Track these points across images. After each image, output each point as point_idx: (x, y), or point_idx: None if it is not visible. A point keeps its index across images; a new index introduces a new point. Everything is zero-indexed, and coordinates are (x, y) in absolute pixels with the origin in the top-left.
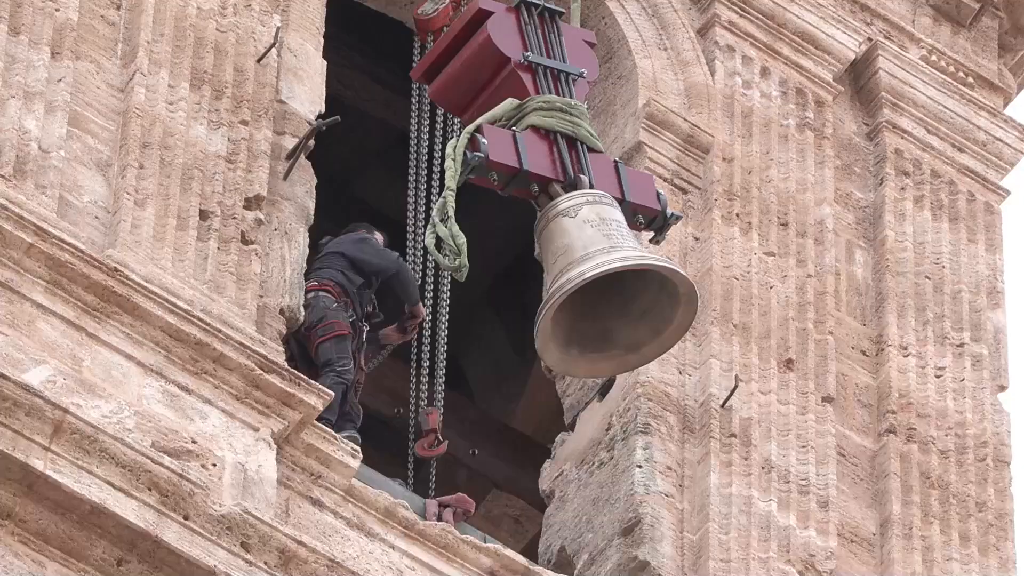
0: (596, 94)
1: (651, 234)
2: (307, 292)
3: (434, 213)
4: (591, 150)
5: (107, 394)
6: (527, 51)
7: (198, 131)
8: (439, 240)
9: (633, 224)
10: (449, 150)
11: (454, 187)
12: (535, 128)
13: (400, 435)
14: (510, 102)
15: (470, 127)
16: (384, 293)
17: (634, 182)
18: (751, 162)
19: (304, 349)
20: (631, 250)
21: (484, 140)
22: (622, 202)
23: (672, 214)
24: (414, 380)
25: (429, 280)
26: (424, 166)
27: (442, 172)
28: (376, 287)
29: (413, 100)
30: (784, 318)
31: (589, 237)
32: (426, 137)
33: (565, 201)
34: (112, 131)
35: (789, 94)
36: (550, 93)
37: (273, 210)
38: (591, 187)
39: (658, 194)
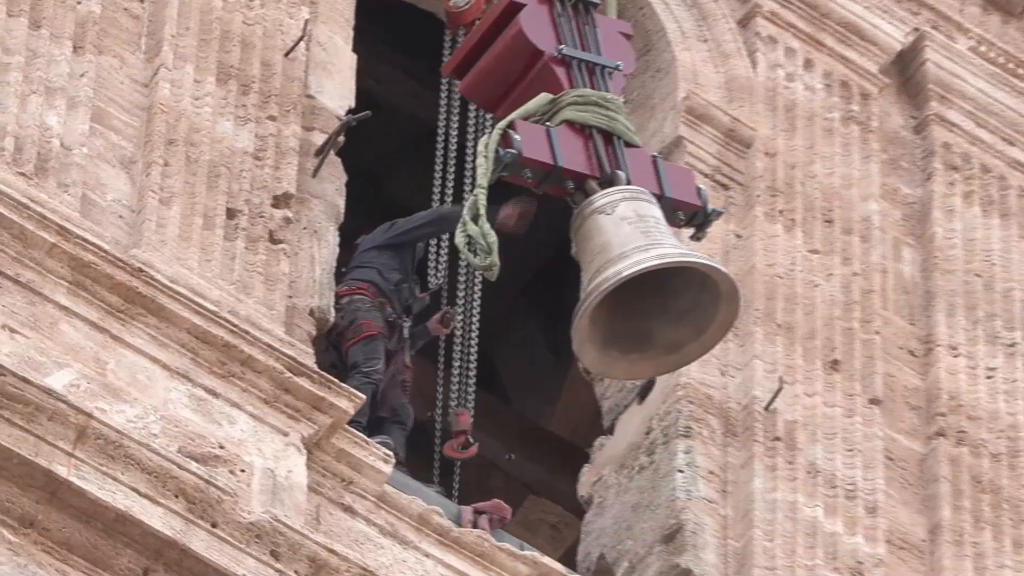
0: (634, 88)
1: (692, 231)
2: (341, 298)
3: (464, 211)
4: (628, 145)
5: (132, 398)
6: (561, 44)
7: (225, 127)
8: (470, 239)
9: (673, 221)
10: (481, 147)
11: (485, 185)
12: (570, 123)
13: (434, 439)
14: (544, 97)
15: (503, 123)
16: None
17: (673, 177)
18: (795, 157)
19: (342, 356)
20: (670, 247)
21: (517, 136)
22: (661, 198)
23: (713, 210)
24: (441, 379)
25: (461, 277)
26: (453, 162)
27: (474, 168)
28: (418, 257)
29: (442, 94)
30: (829, 317)
31: (626, 234)
32: (456, 132)
33: (601, 198)
34: (136, 127)
35: (833, 87)
36: (585, 87)
37: (302, 208)
38: (628, 183)
39: (698, 189)
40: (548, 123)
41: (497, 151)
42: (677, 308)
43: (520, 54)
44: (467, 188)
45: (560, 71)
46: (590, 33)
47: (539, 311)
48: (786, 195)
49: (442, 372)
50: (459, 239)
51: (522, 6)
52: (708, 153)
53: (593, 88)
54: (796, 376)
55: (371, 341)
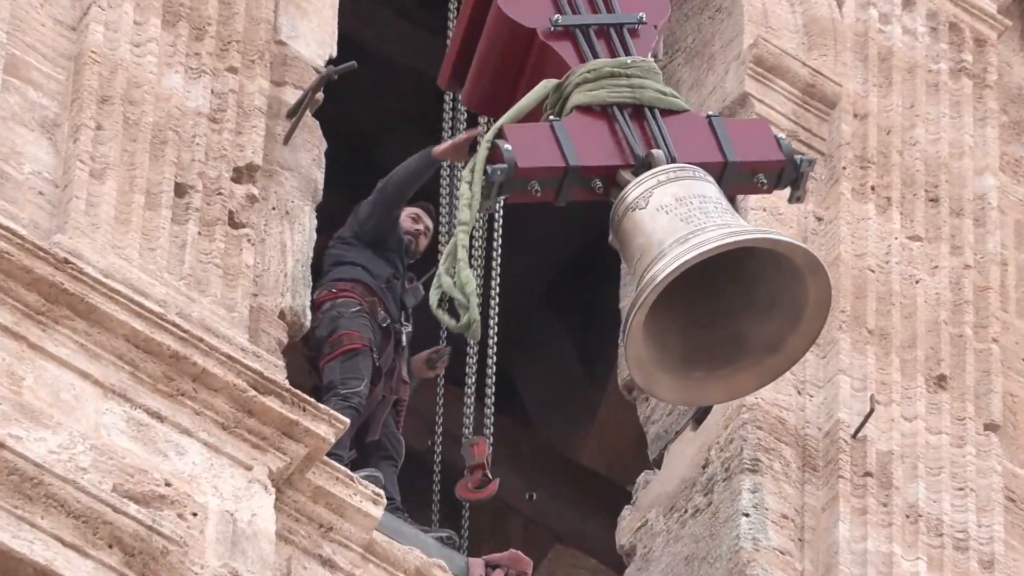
0: (688, 32)
1: (787, 193)
2: (320, 305)
3: (441, 262)
4: (669, 113)
5: (55, 423)
6: (558, 13)
7: (173, 81)
8: (443, 297)
9: (752, 187)
10: (466, 172)
11: (469, 220)
12: (583, 108)
13: (436, 473)
14: (543, 86)
15: (489, 133)
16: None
17: (739, 135)
18: (890, 119)
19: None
20: (714, 229)
21: (508, 146)
22: (726, 165)
23: (803, 159)
24: (443, 400)
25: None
26: (464, 125)
27: (451, 200)
28: (398, 211)
29: (448, 40)
30: (934, 322)
31: (664, 228)
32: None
33: (633, 190)
34: (61, 81)
35: (940, 31)
36: (597, 57)
37: (271, 183)
38: (672, 160)
39: (778, 140)
40: (553, 116)
41: (485, 172)
42: (764, 295)
43: (510, 42)
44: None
45: (563, 46)
46: None
47: (567, 315)
48: (880, 167)
49: (443, 390)
50: (433, 297)
51: None
52: (781, 115)
53: (611, 55)
54: (892, 395)
55: (352, 357)
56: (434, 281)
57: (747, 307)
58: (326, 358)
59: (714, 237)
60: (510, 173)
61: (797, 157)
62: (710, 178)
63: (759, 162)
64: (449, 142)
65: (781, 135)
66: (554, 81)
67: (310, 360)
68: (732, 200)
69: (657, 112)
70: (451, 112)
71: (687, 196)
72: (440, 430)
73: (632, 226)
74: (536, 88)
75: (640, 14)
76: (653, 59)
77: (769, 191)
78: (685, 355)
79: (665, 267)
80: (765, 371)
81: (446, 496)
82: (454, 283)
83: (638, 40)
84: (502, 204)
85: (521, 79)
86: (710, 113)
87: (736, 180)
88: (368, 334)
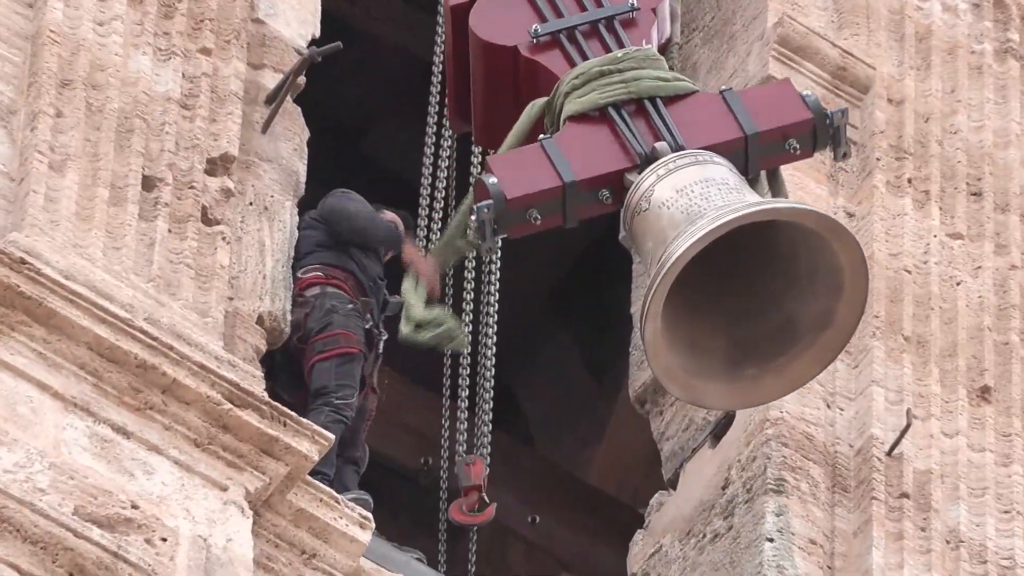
0: (706, 9)
1: (829, 155)
2: (306, 288)
3: (406, 305)
4: (675, 98)
5: (11, 439)
6: (538, 23)
7: (140, 64)
8: (419, 326)
9: (788, 155)
10: (453, 226)
11: (428, 273)
12: (577, 118)
13: (429, 494)
14: (530, 108)
15: (475, 178)
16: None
17: (759, 103)
18: (929, 105)
19: (294, 366)
20: (713, 211)
21: (492, 179)
22: (747, 140)
23: (834, 111)
24: (447, 416)
25: (469, 277)
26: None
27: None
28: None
29: (440, 20)
30: (977, 328)
31: (665, 226)
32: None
33: (636, 191)
34: (17, 64)
35: (984, 7)
36: (586, 58)
37: (248, 176)
38: (676, 149)
39: (803, 98)
40: (544, 135)
41: (474, 211)
42: (803, 271)
43: (493, 65)
44: (475, 151)
45: (550, 57)
46: None
47: (572, 321)
48: (917, 158)
49: (448, 405)
50: (405, 331)
51: (468, 4)
52: None
53: (606, 51)
54: (930, 409)
55: (348, 361)
56: (402, 321)
57: (788, 288)
58: (317, 356)
59: (706, 223)
60: (500, 207)
61: (827, 110)
62: (719, 159)
63: (785, 126)
64: (426, 263)
65: (807, 92)
66: (542, 100)
67: (294, 351)
68: (773, 172)
69: (659, 101)
70: (440, 95)
71: (688, 185)
72: (447, 450)
73: (641, 231)
74: (524, 112)
75: (631, 1)
76: (671, 44)
77: (808, 155)
78: (731, 355)
79: (661, 269)
80: (822, 350)
81: (434, 519)
82: (428, 316)
83: (634, 30)
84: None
85: (518, 104)
86: (723, 88)
87: (765, 151)
88: (362, 338)
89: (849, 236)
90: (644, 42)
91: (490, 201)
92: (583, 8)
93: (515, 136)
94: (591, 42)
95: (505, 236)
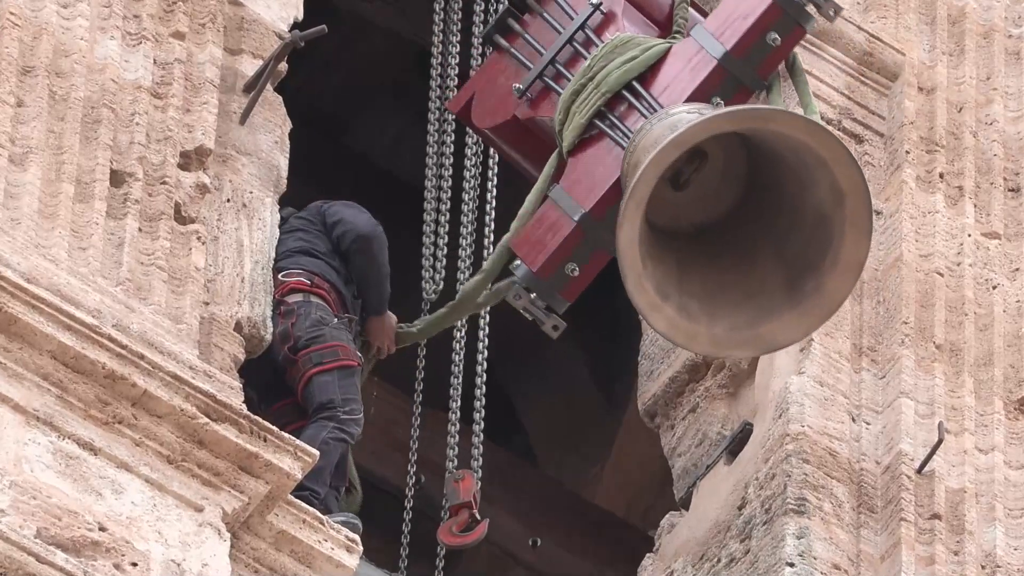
0: None
1: (816, 22)
2: (289, 293)
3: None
4: (655, 66)
5: None
6: (517, 81)
7: (108, 49)
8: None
9: (776, 52)
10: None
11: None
12: (575, 149)
13: (423, 515)
14: (540, 180)
15: (495, 253)
16: None
17: (721, 20)
18: (962, 94)
19: (278, 374)
20: (687, 122)
21: (516, 262)
22: (723, 66)
23: None
24: (417, 426)
25: (463, 277)
26: (452, 94)
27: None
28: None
29: (437, 9)
30: (1015, 335)
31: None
32: (456, 58)
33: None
34: None
35: None
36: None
37: (225, 170)
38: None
39: None
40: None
41: (526, 310)
42: (811, 203)
43: (512, 145)
44: (470, 143)
45: (546, 106)
46: (554, 9)
47: (578, 327)
48: (950, 151)
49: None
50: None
51: (469, 98)
52: (833, 89)
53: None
54: (964, 423)
55: (350, 375)
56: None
57: (795, 217)
58: (315, 368)
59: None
60: (534, 284)
61: None
62: (688, 106)
63: (751, 28)
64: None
65: None
66: (545, 168)
67: (284, 361)
68: (792, 70)
69: (635, 84)
70: (439, 84)
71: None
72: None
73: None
74: (535, 188)
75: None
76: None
77: (800, 35)
78: (791, 286)
79: (636, 170)
80: (844, 278)
81: (423, 539)
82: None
83: (611, 25)
84: (495, 186)
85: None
86: (692, 26)
87: (751, 61)
88: (357, 351)
89: (842, 148)
90: (614, 31)
91: (520, 285)
92: (558, 32)
93: (523, 213)
94: (573, 67)
95: (562, 304)
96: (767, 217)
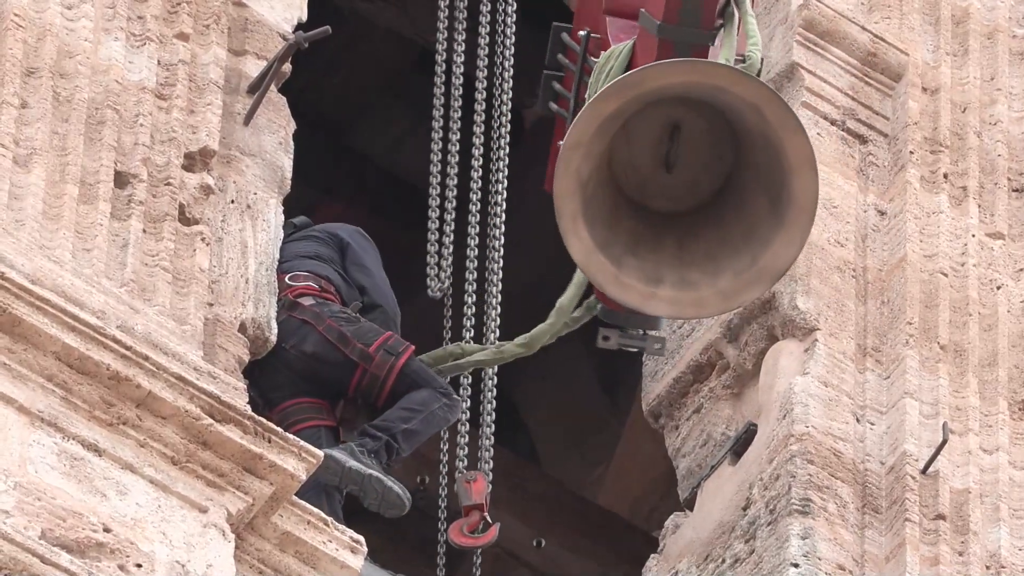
0: None
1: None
2: (301, 296)
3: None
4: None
5: None
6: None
7: (112, 50)
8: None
9: (706, 7)
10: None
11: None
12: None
13: (425, 515)
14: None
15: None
16: None
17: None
18: (967, 94)
19: (295, 374)
20: None
21: (598, 304)
22: (660, 30)
23: None
24: (445, 432)
25: (470, 277)
26: (458, 105)
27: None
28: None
29: (441, 2)
30: (1020, 335)
31: None
32: (462, 60)
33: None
34: None
35: None
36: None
37: (229, 172)
38: None
39: None
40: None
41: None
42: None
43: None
44: (476, 143)
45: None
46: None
47: (583, 329)
48: (954, 151)
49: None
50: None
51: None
52: (836, 88)
53: None
54: (969, 423)
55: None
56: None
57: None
58: (401, 358)
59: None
60: (609, 316)
61: None
62: None
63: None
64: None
65: None
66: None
67: (360, 357)
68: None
69: None
70: (444, 85)
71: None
72: (445, 467)
73: None
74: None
75: (581, 32)
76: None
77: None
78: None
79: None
80: (805, 176)
81: (432, 542)
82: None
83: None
84: (504, 195)
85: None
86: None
87: (688, 23)
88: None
89: (769, 89)
90: (618, 40)
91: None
92: (587, 68)
93: (571, 293)
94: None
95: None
96: (750, 165)
